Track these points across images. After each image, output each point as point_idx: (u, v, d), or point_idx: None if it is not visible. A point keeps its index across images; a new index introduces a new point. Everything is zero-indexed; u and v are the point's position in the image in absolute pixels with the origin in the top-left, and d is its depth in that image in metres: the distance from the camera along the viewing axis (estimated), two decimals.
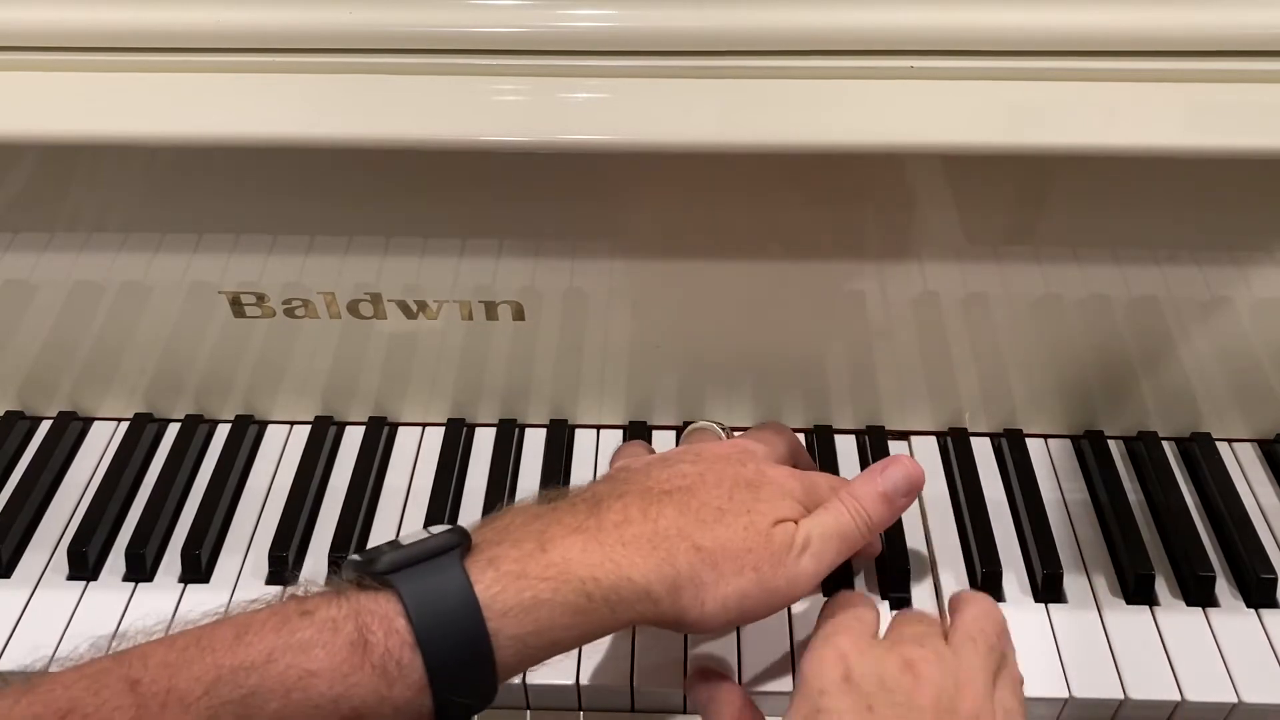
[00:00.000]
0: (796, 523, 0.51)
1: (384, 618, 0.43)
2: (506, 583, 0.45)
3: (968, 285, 0.64)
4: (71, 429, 0.72)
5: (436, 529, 0.47)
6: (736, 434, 0.64)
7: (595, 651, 0.58)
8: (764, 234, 0.63)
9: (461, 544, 0.46)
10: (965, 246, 0.62)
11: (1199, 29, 0.56)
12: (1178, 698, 0.57)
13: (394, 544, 0.47)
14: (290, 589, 0.46)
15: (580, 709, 0.59)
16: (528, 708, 0.59)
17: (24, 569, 0.64)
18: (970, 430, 0.71)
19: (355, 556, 0.46)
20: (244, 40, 0.58)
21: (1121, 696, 0.57)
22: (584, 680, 0.57)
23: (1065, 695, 0.57)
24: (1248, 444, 0.71)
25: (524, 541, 0.47)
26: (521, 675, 0.55)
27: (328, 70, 0.59)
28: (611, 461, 0.62)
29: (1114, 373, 0.69)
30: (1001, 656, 0.50)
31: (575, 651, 0.57)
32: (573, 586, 0.45)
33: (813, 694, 0.47)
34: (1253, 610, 0.61)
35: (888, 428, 0.72)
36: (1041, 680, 0.57)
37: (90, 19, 0.58)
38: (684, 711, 0.59)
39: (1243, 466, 0.70)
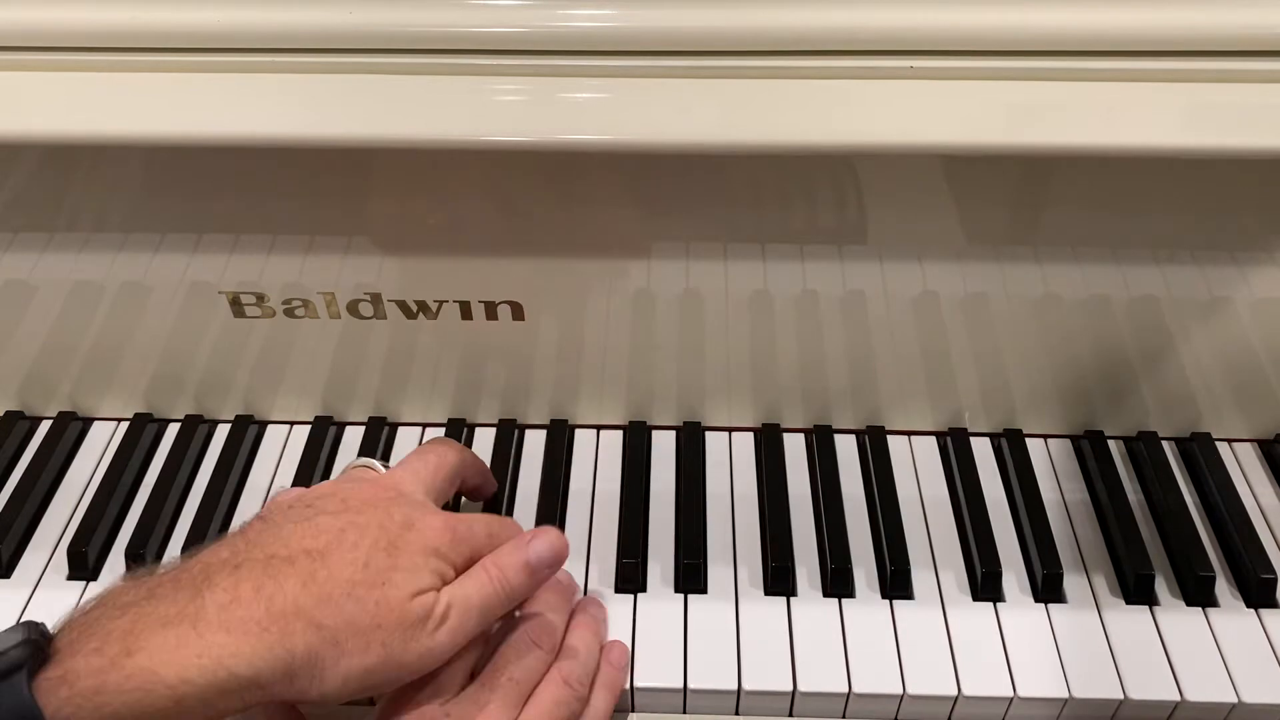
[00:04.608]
0: (438, 590, 0.50)
1: None
2: (81, 702, 0.41)
3: (968, 285, 0.64)
4: (71, 429, 0.72)
5: (10, 635, 0.43)
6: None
7: None
8: (762, 233, 0.63)
9: (30, 660, 0.42)
10: (965, 246, 0.62)
11: (1199, 29, 0.56)
12: (1178, 698, 0.57)
13: None
14: None
15: None
16: None
17: (24, 569, 0.64)
18: (970, 430, 0.71)
19: None
20: (244, 40, 0.58)
21: (1121, 696, 0.57)
22: None
23: (1065, 695, 0.57)
24: (1248, 444, 0.71)
25: (108, 645, 0.43)
26: None
27: (328, 70, 0.59)
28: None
29: (1114, 373, 0.69)
30: None
31: None
32: (160, 694, 0.42)
33: None
34: (1253, 610, 0.61)
35: (888, 428, 0.72)
36: (1041, 680, 0.57)
37: (90, 19, 0.58)
38: (684, 712, 0.59)
39: (1243, 466, 0.70)
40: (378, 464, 0.59)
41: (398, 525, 0.51)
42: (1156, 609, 0.61)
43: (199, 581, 0.46)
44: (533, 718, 0.52)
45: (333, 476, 0.62)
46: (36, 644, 0.43)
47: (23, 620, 0.45)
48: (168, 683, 0.43)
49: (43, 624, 0.45)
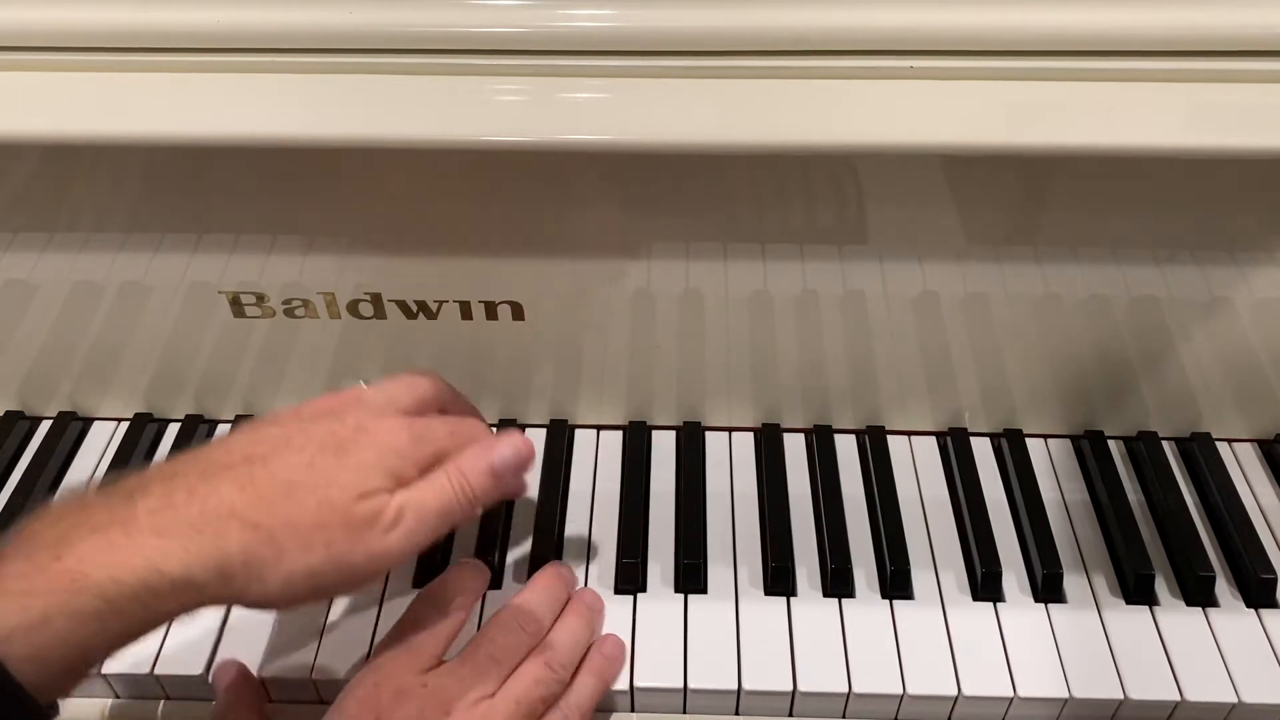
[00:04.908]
0: (392, 493, 0.49)
1: None
2: (9, 603, 0.41)
3: (968, 285, 0.64)
4: (71, 429, 0.72)
5: None
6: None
7: None
8: (762, 233, 0.63)
9: None
10: (965, 246, 0.62)
11: (1199, 29, 0.56)
12: (1178, 698, 0.57)
13: None
14: None
15: None
16: None
17: None
18: (970, 430, 0.71)
19: None
20: (244, 40, 0.58)
21: (1121, 696, 0.57)
22: None
23: (1065, 695, 0.57)
24: (1248, 444, 0.71)
25: (39, 551, 0.43)
26: None
27: (328, 70, 0.59)
28: None
29: (1114, 373, 0.69)
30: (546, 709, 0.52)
31: None
32: (90, 594, 0.42)
33: None
34: (1253, 610, 0.61)
35: (888, 428, 0.72)
36: (1041, 680, 0.57)
37: (90, 19, 0.58)
38: (684, 712, 0.59)
39: (1243, 466, 0.70)
40: (362, 383, 0.57)
41: (350, 429, 0.50)
42: (1156, 609, 0.61)
43: (133, 490, 0.46)
44: (509, 694, 0.51)
45: None
46: None
47: None
48: (97, 582, 0.42)
49: None
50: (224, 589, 0.45)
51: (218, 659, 0.58)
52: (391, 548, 0.48)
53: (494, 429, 0.72)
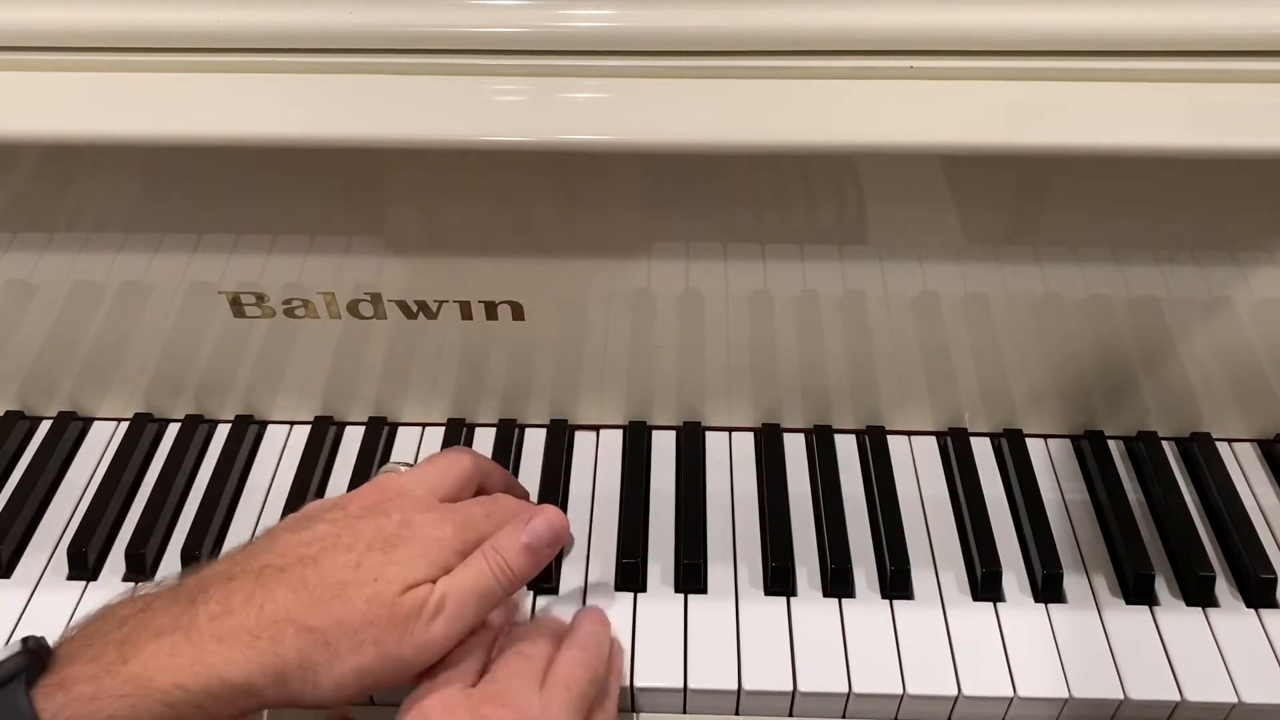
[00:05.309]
0: (434, 582, 0.50)
1: None
2: (78, 706, 0.42)
3: (968, 285, 0.64)
4: (71, 429, 0.72)
5: (9, 650, 0.44)
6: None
7: None
8: (762, 233, 0.63)
9: (28, 668, 0.43)
10: (965, 246, 0.62)
11: (1199, 29, 0.56)
12: (1178, 698, 0.57)
13: None
14: None
15: None
16: None
17: (24, 569, 0.64)
18: (970, 430, 0.71)
19: None
20: (244, 40, 0.58)
21: (1121, 696, 0.57)
22: None
23: (1065, 695, 0.57)
24: (1248, 444, 0.71)
25: (105, 653, 0.44)
26: None
27: (328, 70, 0.59)
28: None
29: (1114, 373, 0.69)
30: (597, 697, 0.52)
31: None
32: (155, 699, 0.43)
33: None
34: (1253, 610, 0.61)
35: (888, 428, 0.72)
36: (1041, 680, 0.57)
37: (90, 19, 0.58)
38: (684, 712, 0.59)
39: (1243, 466, 0.70)
40: (402, 465, 0.61)
41: (395, 525, 0.51)
42: (1156, 609, 0.61)
43: (194, 594, 0.47)
44: (556, 682, 0.51)
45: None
46: (34, 653, 0.44)
47: (25, 636, 0.45)
48: (161, 688, 0.44)
49: (43, 637, 0.46)
50: (280, 692, 0.46)
51: None
52: (435, 636, 0.49)
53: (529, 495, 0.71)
